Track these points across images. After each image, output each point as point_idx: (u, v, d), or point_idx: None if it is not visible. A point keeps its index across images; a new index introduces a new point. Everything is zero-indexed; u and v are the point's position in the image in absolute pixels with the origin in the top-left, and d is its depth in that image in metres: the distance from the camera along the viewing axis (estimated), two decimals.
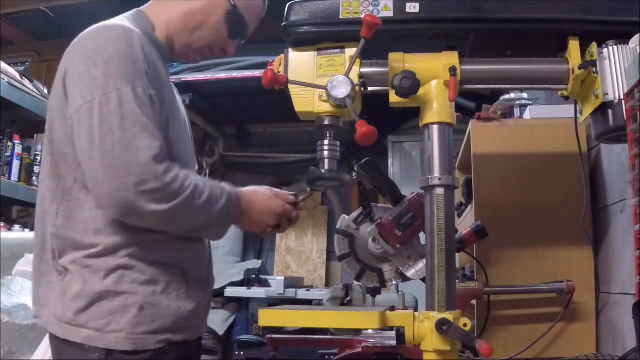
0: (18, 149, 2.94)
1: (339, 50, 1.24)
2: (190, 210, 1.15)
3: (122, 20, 1.25)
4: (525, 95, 2.17)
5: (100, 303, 1.15)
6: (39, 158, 2.98)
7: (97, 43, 1.16)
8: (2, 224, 2.85)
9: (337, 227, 1.42)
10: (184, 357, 1.24)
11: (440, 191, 1.18)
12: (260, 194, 1.32)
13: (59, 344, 1.18)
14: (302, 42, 1.26)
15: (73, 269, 1.17)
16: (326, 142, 1.23)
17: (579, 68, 1.20)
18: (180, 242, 1.24)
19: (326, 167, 1.23)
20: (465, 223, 2.18)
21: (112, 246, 1.17)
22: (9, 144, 2.90)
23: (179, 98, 1.39)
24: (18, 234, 2.68)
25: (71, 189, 1.19)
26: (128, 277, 1.16)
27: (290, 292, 3.56)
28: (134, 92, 1.13)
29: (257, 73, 3.31)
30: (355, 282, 1.62)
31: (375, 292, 1.49)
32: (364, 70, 1.23)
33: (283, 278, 3.62)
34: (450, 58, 1.22)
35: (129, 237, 1.17)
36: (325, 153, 1.23)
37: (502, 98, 2.19)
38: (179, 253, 1.24)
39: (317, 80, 1.23)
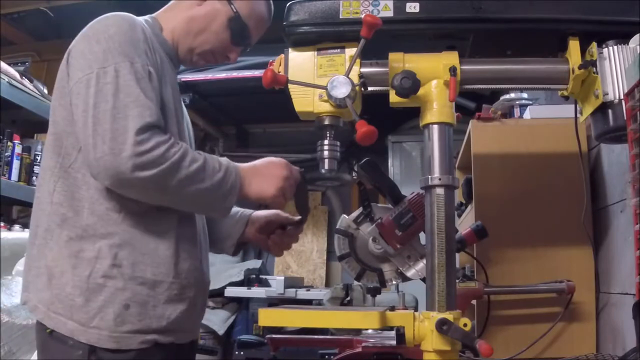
0: (18, 149, 2.93)
1: (339, 50, 1.24)
2: (180, 177, 1.14)
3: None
4: (525, 95, 2.17)
5: (87, 295, 1.15)
6: (39, 158, 2.98)
7: (101, 25, 1.23)
8: (2, 224, 2.84)
9: (337, 227, 1.42)
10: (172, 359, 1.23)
11: (440, 191, 1.18)
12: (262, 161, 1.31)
13: (45, 339, 1.18)
14: (302, 42, 1.26)
15: (62, 253, 1.18)
16: (326, 142, 1.23)
17: (579, 68, 1.20)
18: (177, 236, 1.24)
19: (326, 167, 1.23)
20: (465, 223, 2.18)
21: (105, 231, 1.18)
22: (9, 144, 2.89)
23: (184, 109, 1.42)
24: (18, 234, 2.68)
25: (70, 167, 1.21)
26: (117, 270, 1.17)
27: (290, 292, 3.56)
28: (132, 67, 1.17)
29: (257, 73, 3.31)
30: (355, 282, 1.62)
31: (375, 292, 1.49)
32: (364, 70, 1.23)
33: (283, 278, 3.62)
34: (450, 58, 1.22)
35: (123, 224, 1.18)
36: (325, 153, 1.23)
37: (502, 98, 2.19)
38: (175, 248, 1.23)
39: (317, 80, 1.22)
